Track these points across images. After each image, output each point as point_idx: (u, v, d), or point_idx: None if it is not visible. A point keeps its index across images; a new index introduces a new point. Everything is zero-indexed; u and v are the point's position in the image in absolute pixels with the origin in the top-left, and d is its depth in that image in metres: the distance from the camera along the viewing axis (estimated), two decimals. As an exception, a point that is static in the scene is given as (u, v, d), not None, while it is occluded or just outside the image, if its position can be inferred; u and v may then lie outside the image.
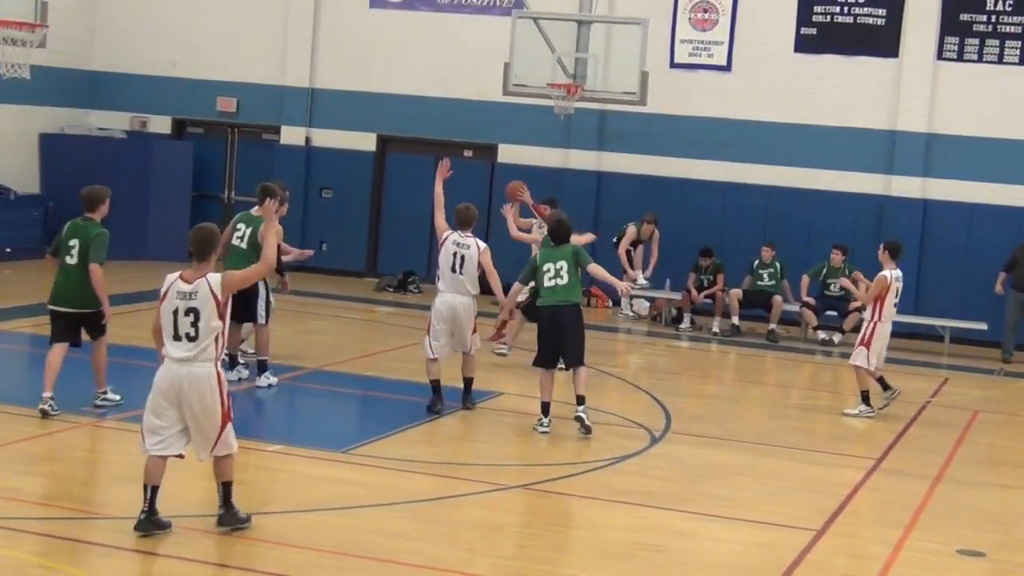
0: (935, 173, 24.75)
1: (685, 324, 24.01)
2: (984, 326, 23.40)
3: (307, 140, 27.95)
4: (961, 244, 24.47)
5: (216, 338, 10.29)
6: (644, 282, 24.85)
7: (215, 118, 28.60)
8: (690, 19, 25.88)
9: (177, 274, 10.48)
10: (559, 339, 14.99)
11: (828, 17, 25.27)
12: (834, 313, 23.60)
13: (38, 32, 15.46)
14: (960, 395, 19.74)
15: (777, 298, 23.60)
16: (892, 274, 17.28)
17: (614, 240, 25.03)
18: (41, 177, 27.15)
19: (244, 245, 15.89)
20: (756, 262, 23.95)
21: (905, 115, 24.78)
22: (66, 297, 13.95)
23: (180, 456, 10.50)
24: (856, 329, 23.33)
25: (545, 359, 15.13)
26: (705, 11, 25.81)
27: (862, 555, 11.44)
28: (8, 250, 17.05)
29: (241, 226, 16.16)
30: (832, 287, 23.45)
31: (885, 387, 17.35)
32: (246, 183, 28.27)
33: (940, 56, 24.72)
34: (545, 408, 15.04)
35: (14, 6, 15.37)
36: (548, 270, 14.98)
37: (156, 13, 28.49)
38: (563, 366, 15.23)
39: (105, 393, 14.24)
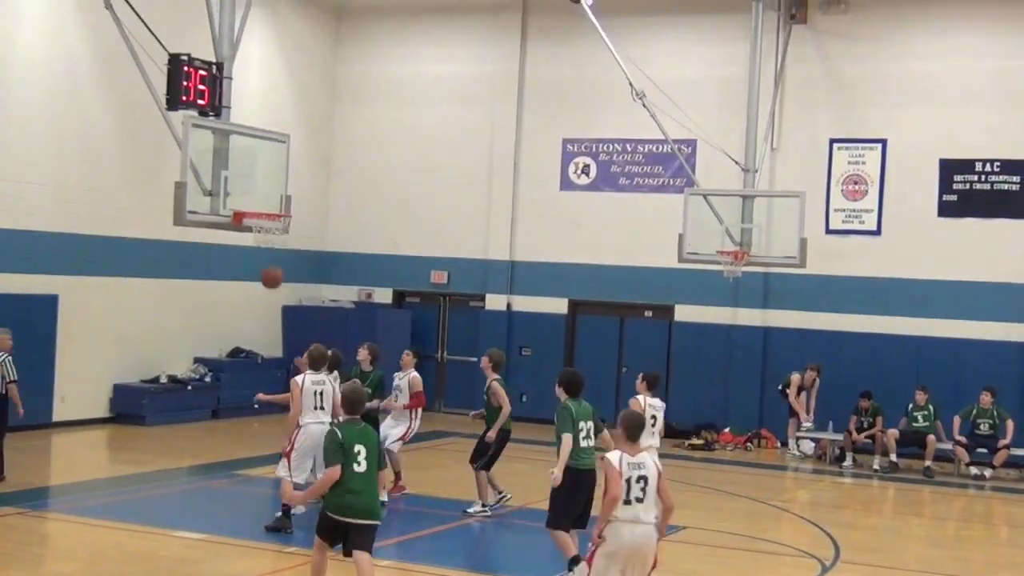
0: (1072, 320, 23.99)
1: (848, 462, 23.33)
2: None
3: (508, 306, 28.08)
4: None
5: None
6: (809, 425, 24.36)
7: (429, 288, 28.93)
8: (842, 190, 25.59)
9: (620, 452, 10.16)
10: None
11: (967, 185, 24.77)
12: (984, 450, 22.74)
13: (283, 221, 15.80)
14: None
15: (931, 437, 22.82)
16: None
17: (779, 388, 24.67)
18: (283, 343, 27.67)
19: None
20: (911, 405, 23.24)
21: (1042, 269, 24.12)
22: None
23: None
24: (1006, 464, 22.57)
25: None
26: (856, 183, 25.50)
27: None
28: (256, 407, 17.33)
29: None
30: (982, 427, 22.65)
31: None
32: (456, 344, 28.60)
33: (1070, 215, 24.09)
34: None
35: (264, 200, 15.82)
36: (582, 429, 12.89)
37: (379, 200, 29.09)
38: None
39: None
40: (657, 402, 14.82)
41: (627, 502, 9.98)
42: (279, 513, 14.80)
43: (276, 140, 16.29)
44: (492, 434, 16.22)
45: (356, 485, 10.86)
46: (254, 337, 27.12)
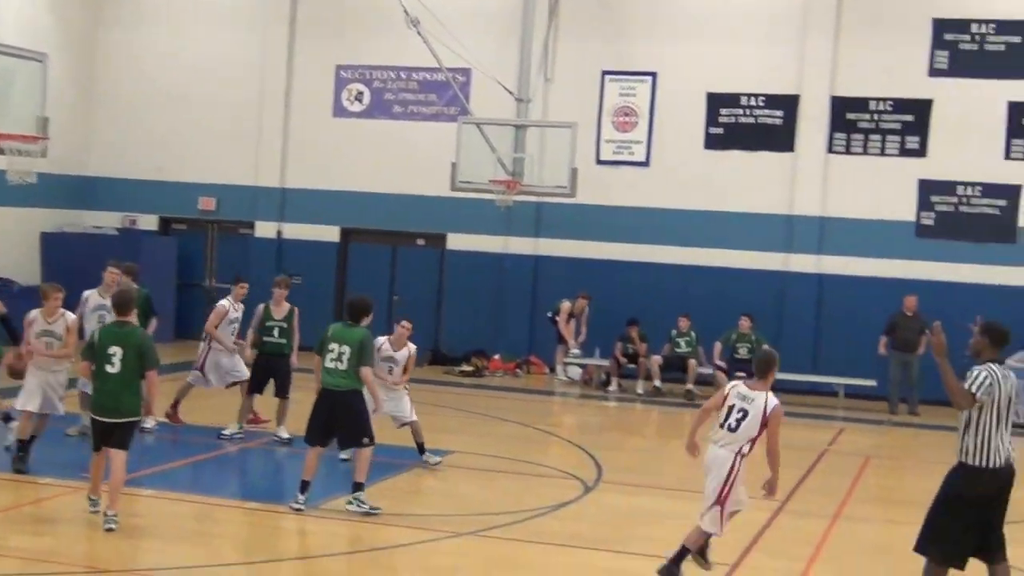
0: (827, 251, 24.97)
1: (613, 387, 24.02)
2: (873, 383, 23.51)
3: (278, 233, 27.90)
4: (851, 312, 24.61)
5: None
6: (576, 351, 24.95)
7: (197, 216, 28.53)
8: (613, 122, 26.08)
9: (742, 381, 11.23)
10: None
11: (733, 118, 25.53)
12: (743, 374, 23.60)
13: (40, 144, 15.42)
14: (853, 443, 19.81)
15: (692, 362, 23.65)
16: None
17: (549, 315, 25.16)
18: (42, 271, 26.90)
19: None
20: (674, 331, 24.02)
21: (801, 201, 25.02)
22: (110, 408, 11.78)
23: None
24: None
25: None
26: (626, 115, 26.02)
27: (771, 586, 11.41)
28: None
29: None
30: (741, 351, 23.56)
31: None
32: (224, 272, 28.30)
33: (830, 150, 25.00)
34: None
35: (19, 122, 15.40)
36: (332, 350, 13.22)
37: (144, 124, 28.43)
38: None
39: None
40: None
41: None
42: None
43: (32, 59, 15.87)
44: (294, 359, 17.13)
45: (107, 385, 11.66)
46: (10, 264, 26.30)
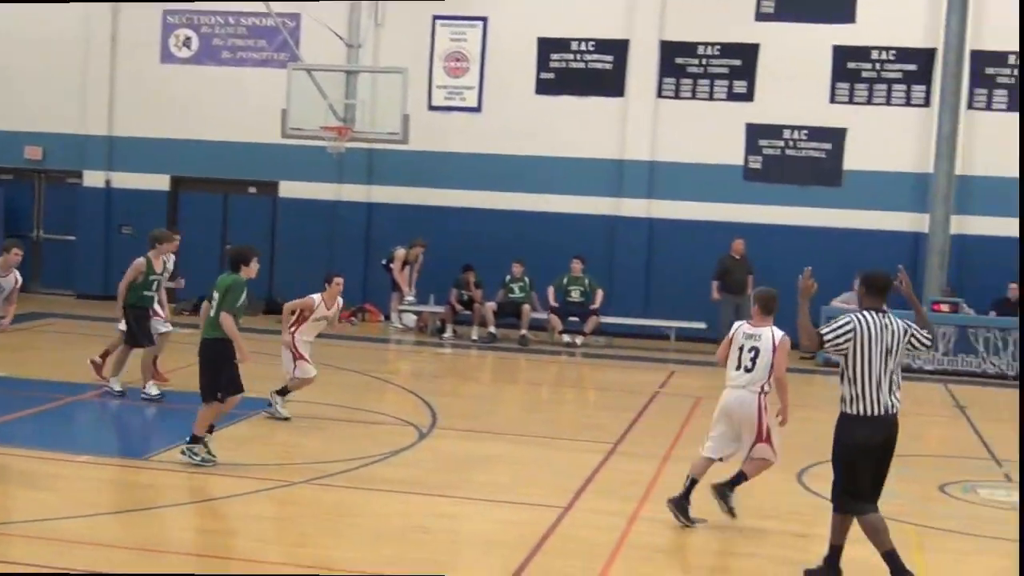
0: (658, 195, 25.37)
1: (448, 334, 24.17)
2: (704, 325, 24.01)
3: (107, 183, 27.41)
4: (682, 255, 25.07)
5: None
6: (411, 299, 25.02)
7: (23, 165, 27.86)
8: (444, 67, 26.09)
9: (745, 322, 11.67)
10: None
11: (564, 63, 25.72)
12: (576, 319, 23.99)
13: None
14: (685, 385, 20.22)
15: (526, 307, 23.90)
16: None
17: (383, 262, 25.16)
18: None
19: None
20: (508, 277, 24.23)
21: (631, 146, 25.36)
22: None
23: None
24: (595, 332, 23.87)
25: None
26: (457, 60, 26.04)
27: (603, 526, 11.59)
28: None
29: None
30: (573, 294, 23.89)
31: None
32: (52, 223, 27.77)
33: (660, 95, 25.36)
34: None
35: None
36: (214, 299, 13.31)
37: (-37, 71, 27.68)
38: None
39: None
40: None
41: None
42: None
43: None
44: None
45: None
46: None
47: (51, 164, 27.81)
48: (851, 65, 24.82)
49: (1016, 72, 24.14)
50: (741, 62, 25.18)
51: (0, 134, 27.62)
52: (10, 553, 10.01)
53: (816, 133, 25.02)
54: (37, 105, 27.46)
